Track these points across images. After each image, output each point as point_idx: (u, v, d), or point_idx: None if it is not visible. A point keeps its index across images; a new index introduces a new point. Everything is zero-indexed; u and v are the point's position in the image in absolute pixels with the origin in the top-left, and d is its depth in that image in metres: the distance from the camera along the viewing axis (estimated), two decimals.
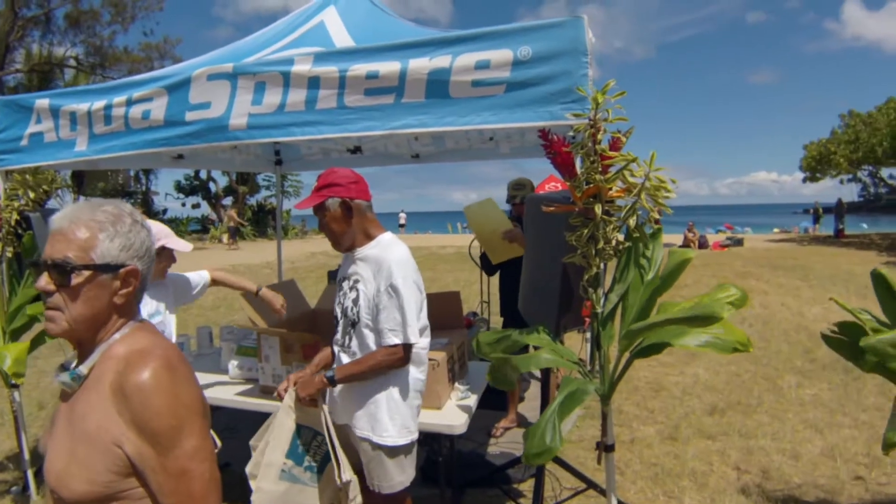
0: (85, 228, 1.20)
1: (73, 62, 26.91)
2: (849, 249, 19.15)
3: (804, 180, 25.28)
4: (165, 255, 2.78)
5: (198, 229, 32.99)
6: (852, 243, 21.40)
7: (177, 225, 29.57)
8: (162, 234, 2.72)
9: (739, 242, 22.13)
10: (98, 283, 1.20)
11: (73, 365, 1.26)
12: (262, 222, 32.12)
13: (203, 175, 32.14)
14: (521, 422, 4.60)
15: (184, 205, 35.13)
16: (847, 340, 2.43)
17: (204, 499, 1.16)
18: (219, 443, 1.37)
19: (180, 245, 2.82)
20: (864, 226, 31.27)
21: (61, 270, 1.17)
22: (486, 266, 4.72)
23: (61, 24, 26.29)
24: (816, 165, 23.62)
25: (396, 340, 2.28)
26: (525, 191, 4.40)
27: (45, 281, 1.18)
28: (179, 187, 34.40)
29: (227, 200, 33.02)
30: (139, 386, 1.13)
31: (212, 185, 33.36)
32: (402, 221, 42.43)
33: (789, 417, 4.77)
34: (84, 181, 26.78)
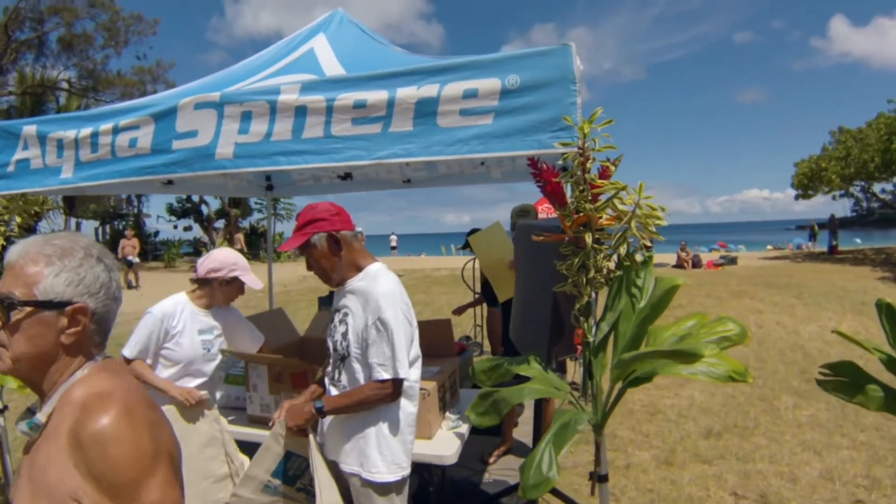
0: (32, 263, 1.14)
1: (65, 85, 26.99)
2: (843, 266, 19.19)
3: (796, 197, 25.36)
4: (235, 285, 2.91)
5: (190, 252, 32.82)
6: (846, 259, 21.45)
7: (169, 248, 29.42)
8: (238, 267, 2.88)
9: (733, 261, 22.13)
10: (40, 320, 1.12)
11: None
12: (255, 245, 31.97)
13: (195, 198, 32.07)
14: (516, 446, 4.54)
15: (175, 227, 34.95)
16: (845, 382, 2.30)
17: None
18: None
19: (251, 281, 2.92)
20: (858, 241, 31.39)
21: (3, 306, 1.11)
22: (489, 297, 4.66)
23: (54, 47, 26.43)
24: (808, 182, 23.71)
25: (386, 375, 2.22)
26: (529, 217, 4.37)
27: None
28: (171, 210, 34.26)
29: (220, 223, 32.93)
30: (95, 435, 1.04)
31: (203, 208, 33.25)
32: (394, 244, 42.32)
33: (786, 439, 4.72)
34: (75, 204, 26.71)
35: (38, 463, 1.11)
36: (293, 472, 2.47)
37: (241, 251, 18.67)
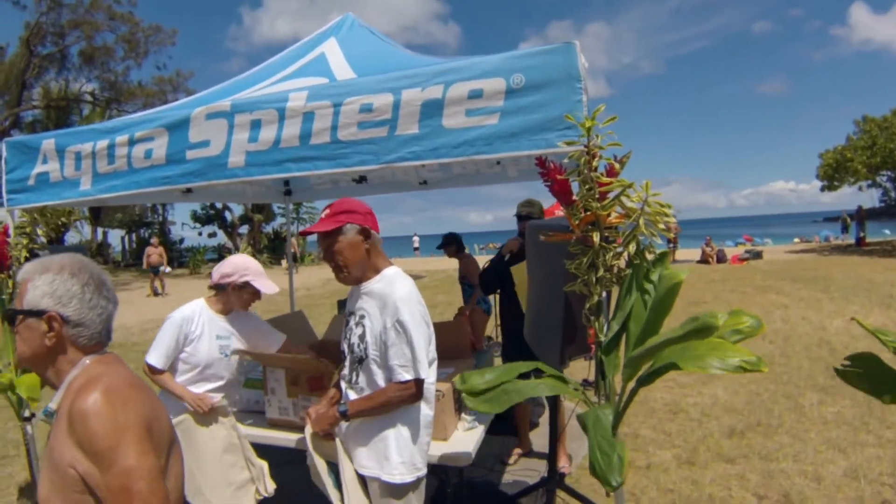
0: (23, 280, 1.41)
1: (88, 97, 27.53)
2: (871, 258, 18.81)
3: (822, 189, 24.90)
4: (249, 290, 2.96)
5: (214, 258, 33.29)
6: (874, 251, 21.01)
7: (194, 254, 29.85)
8: (250, 272, 2.93)
9: (758, 255, 21.81)
10: (28, 326, 1.38)
11: None
12: (279, 250, 32.30)
13: (219, 205, 32.50)
14: (533, 449, 4.52)
15: (200, 234, 35.52)
16: (863, 373, 2.26)
17: None
18: None
19: (264, 286, 2.97)
20: (887, 232, 30.68)
21: (10, 318, 1.41)
22: (485, 284, 4.64)
23: (76, 60, 27.03)
24: (833, 173, 23.26)
25: (408, 377, 2.22)
26: (532, 209, 4.37)
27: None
28: (196, 217, 34.83)
29: (244, 229, 33.32)
30: (80, 411, 1.24)
31: (227, 215, 33.71)
32: (416, 245, 42.47)
33: (811, 437, 4.63)
34: (101, 213, 27.24)
35: (51, 444, 1.32)
36: (334, 479, 2.50)
37: (165, 266, 19.07)
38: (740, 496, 3.76)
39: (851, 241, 25.32)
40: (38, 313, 1.36)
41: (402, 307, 2.22)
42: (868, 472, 3.95)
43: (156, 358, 2.80)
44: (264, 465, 3.01)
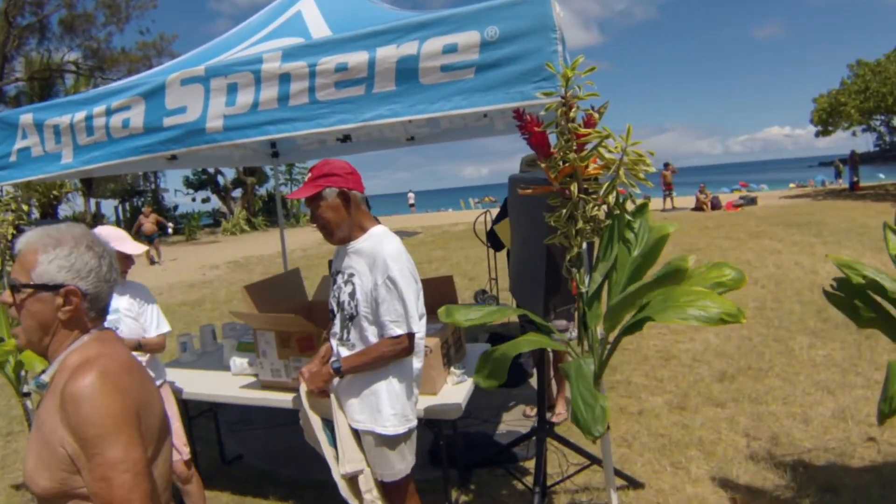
0: (30, 252, 1.34)
1: (72, 67, 26.98)
2: (864, 202, 18.82)
3: (816, 134, 24.75)
4: (118, 258, 2.80)
5: (210, 223, 33.21)
6: (868, 195, 21.01)
7: (189, 220, 29.74)
8: (112, 239, 2.76)
9: (753, 201, 21.83)
10: (39, 299, 1.33)
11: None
12: (273, 211, 32.20)
13: (211, 169, 32.26)
14: (529, 397, 4.60)
15: (194, 200, 35.31)
16: (844, 297, 2.39)
17: None
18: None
19: (129, 248, 2.89)
20: (881, 176, 30.61)
21: (12, 289, 1.34)
22: (494, 242, 4.71)
23: (56, 29, 26.35)
24: (828, 118, 23.09)
25: (400, 331, 2.30)
26: (536, 167, 4.34)
27: (7, 296, 1.36)
28: (188, 182, 34.56)
29: (237, 193, 33.16)
30: (73, 394, 1.22)
31: (220, 179, 33.48)
32: (412, 201, 42.39)
33: (800, 380, 4.71)
34: (93, 184, 27.02)
35: (41, 416, 1.31)
36: (329, 435, 2.55)
37: (159, 231, 18.93)
38: (730, 438, 3.85)
39: (845, 185, 25.32)
40: (54, 287, 1.32)
41: (391, 264, 2.27)
42: (856, 413, 4.03)
43: None
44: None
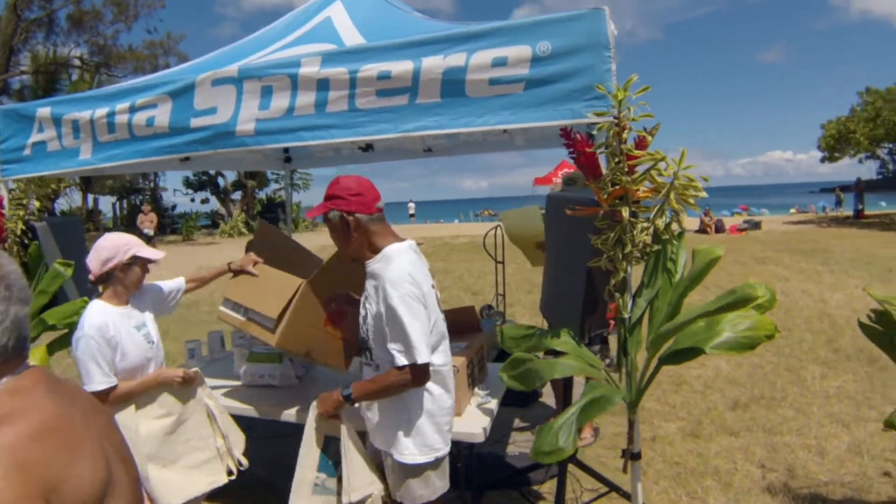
0: None
1: (77, 62, 26.94)
2: (870, 231, 18.82)
3: (822, 160, 24.83)
4: (137, 265, 2.58)
5: (208, 224, 33.08)
6: (873, 224, 21.04)
7: (186, 220, 29.61)
8: (132, 244, 2.55)
9: (757, 226, 21.87)
10: None
11: None
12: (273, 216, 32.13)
13: (211, 171, 32.17)
14: (545, 412, 4.51)
15: (192, 200, 35.17)
16: (882, 331, 2.35)
17: None
18: None
19: (151, 254, 2.63)
20: (883, 204, 30.72)
21: None
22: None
23: (64, 24, 26.37)
24: (836, 144, 23.19)
25: (404, 361, 2.15)
26: (576, 186, 4.26)
27: None
28: (188, 183, 34.43)
29: (237, 195, 33.08)
30: None
31: (220, 180, 33.39)
32: (412, 212, 42.36)
33: (814, 411, 4.64)
34: (91, 180, 26.91)
35: None
36: (333, 460, 2.45)
37: (152, 232, 18.92)
38: (745, 469, 3.78)
39: (846, 213, 25.39)
40: None
41: (390, 290, 2.14)
42: (871, 448, 3.96)
43: (99, 381, 2.38)
44: (241, 437, 2.90)
